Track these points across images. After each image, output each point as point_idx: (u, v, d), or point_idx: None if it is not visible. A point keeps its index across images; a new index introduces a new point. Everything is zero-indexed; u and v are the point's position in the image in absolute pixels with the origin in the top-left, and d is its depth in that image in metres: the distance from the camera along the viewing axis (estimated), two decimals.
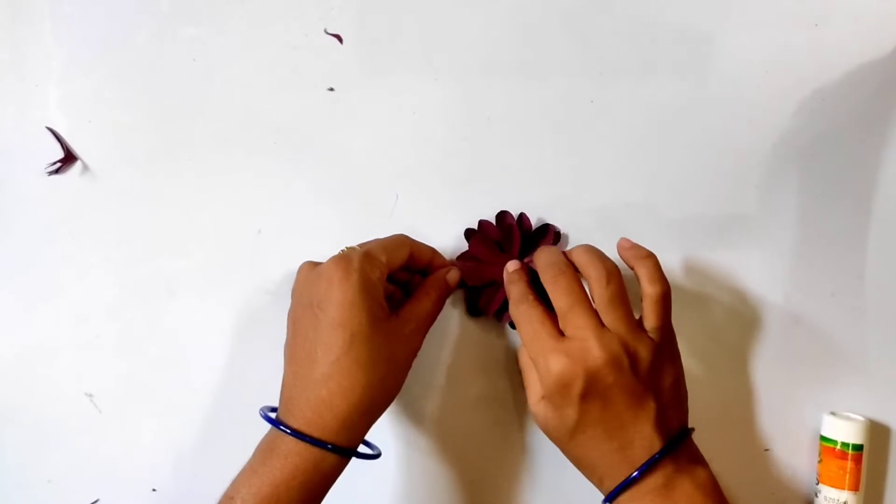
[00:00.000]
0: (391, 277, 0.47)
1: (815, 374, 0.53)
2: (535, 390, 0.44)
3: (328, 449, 0.41)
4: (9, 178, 0.50)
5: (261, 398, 0.49)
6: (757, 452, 0.53)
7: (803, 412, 0.53)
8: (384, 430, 0.51)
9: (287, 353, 0.44)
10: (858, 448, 0.50)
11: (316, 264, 0.44)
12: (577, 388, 0.41)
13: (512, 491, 0.52)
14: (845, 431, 0.50)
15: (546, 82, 0.51)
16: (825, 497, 0.50)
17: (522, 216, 0.50)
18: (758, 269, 0.52)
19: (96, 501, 0.51)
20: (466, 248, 0.50)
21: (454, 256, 0.51)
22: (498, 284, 0.50)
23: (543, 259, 0.45)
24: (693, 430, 0.44)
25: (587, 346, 0.41)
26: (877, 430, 0.52)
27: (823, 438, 0.51)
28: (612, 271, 0.43)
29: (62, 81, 0.50)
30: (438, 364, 0.51)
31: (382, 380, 0.42)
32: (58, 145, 0.50)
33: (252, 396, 0.50)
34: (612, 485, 0.42)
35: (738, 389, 0.52)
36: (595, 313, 0.42)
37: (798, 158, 0.52)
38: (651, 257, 0.44)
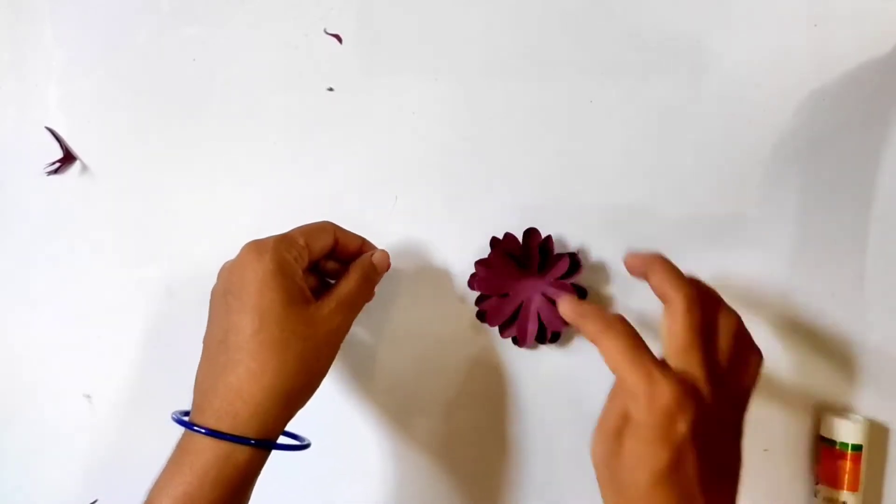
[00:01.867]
0: (319, 270, 0.46)
1: (814, 374, 0.52)
2: (612, 417, 0.37)
3: (246, 443, 0.38)
4: (9, 178, 0.50)
5: None
6: (756, 452, 0.53)
7: (803, 412, 0.52)
8: (382, 431, 0.51)
9: (203, 346, 0.42)
10: (858, 448, 0.50)
11: (231, 259, 0.43)
12: (683, 426, 0.34)
13: (506, 493, 0.52)
14: (844, 431, 0.50)
15: (546, 82, 0.51)
16: (824, 497, 0.50)
17: (549, 239, 0.50)
18: (757, 269, 0.52)
19: (95, 501, 0.51)
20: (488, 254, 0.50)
21: (453, 258, 0.51)
22: (507, 297, 0.50)
23: (673, 276, 0.39)
24: None
25: (701, 385, 0.36)
26: (876, 430, 0.52)
27: (822, 439, 0.51)
28: (740, 320, 0.39)
29: (62, 81, 0.50)
30: (443, 373, 0.51)
31: (298, 362, 0.39)
32: (57, 145, 0.50)
33: None
34: None
35: None
36: (713, 362, 0.37)
37: (798, 158, 0.52)
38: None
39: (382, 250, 0.47)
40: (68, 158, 0.50)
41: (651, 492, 0.35)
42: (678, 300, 0.38)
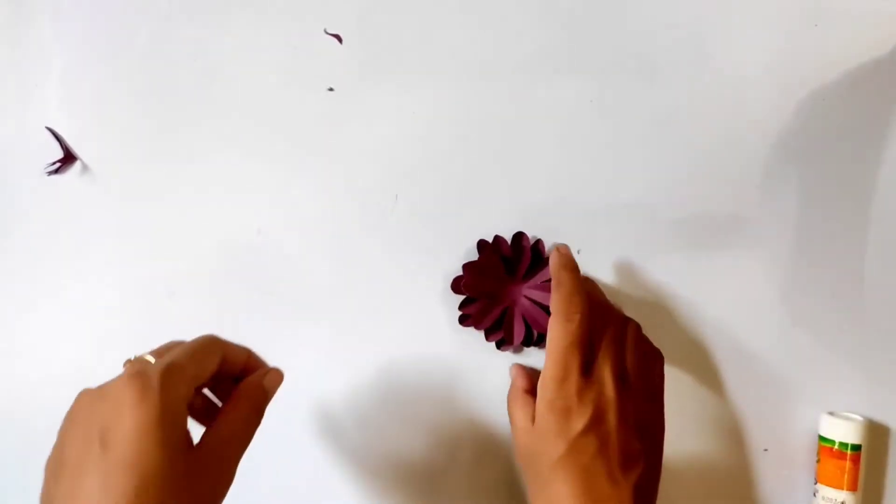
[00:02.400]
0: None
1: (814, 374, 0.52)
2: (525, 414, 0.44)
3: None
4: (9, 178, 0.50)
5: None
6: (756, 452, 0.53)
7: (802, 412, 0.53)
8: (372, 435, 0.51)
9: (50, 479, 0.34)
10: (857, 448, 0.50)
11: (100, 388, 0.36)
12: (580, 422, 0.40)
13: (497, 494, 0.52)
14: (844, 431, 0.50)
15: (546, 82, 0.51)
16: (823, 497, 0.51)
17: (539, 242, 0.50)
18: (757, 268, 0.52)
19: None
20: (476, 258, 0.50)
21: (453, 257, 0.51)
22: (493, 301, 0.50)
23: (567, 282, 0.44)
24: None
25: (604, 388, 0.41)
26: (875, 430, 0.52)
27: (822, 438, 0.51)
28: (632, 326, 0.46)
29: (62, 81, 0.50)
30: (426, 377, 0.51)
31: None
32: (58, 145, 0.50)
33: None
34: None
35: (736, 389, 0.52)
36: (620, 367, 0.43)
37: (798, 158, 0.52)
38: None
39: (275, 370, 0.41)
40: (68, 158, 0.50)
41: (552, 472, 0.40)
42: (556, 311, 0.43)
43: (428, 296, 0.51)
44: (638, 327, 0.46)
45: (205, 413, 0.40)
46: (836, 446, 0.50)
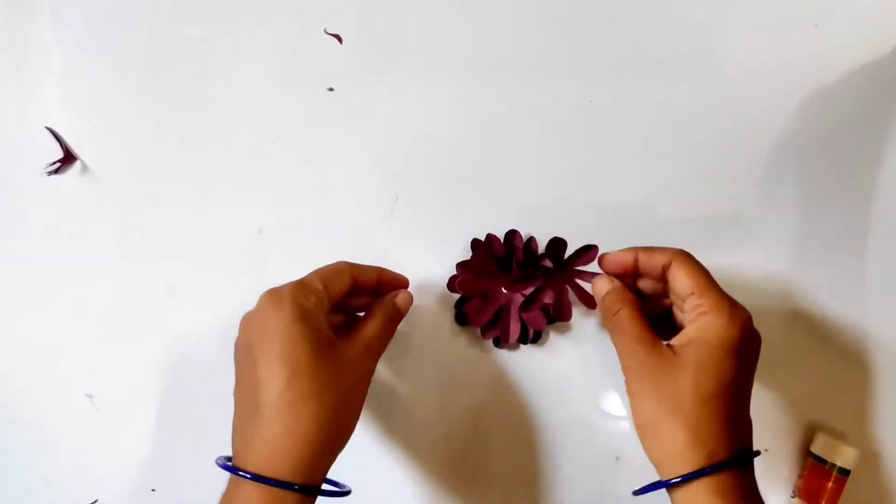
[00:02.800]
0: (344, 306, 0.45)
1: (814, 374, 0.52)
2: (645, 331, 0.41)
3: (290, 489, 0.37)
4: (9, 178, 0.50)
5: None
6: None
7: (801, 412, 0.52)
8: (372, 442, 0.51)
9: (234, 399, 0.41)
10: (845, 472, 0.50)
11: (246, 313, 0.42)
12: (758, 345, 0.40)
13: (503, 494, 0.52)
14: (836, 453, 0.50)
15: (546, 82, 0.51)
16: None
17: (531, 240, 0.50)
18: (757, 268, 0.52)
19: (95, 501, 0.51)
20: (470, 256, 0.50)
21: (453, 256, 0.51)
22: (489, 299, 0.50)
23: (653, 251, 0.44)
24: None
25: (747, 313, 0.41)
26: (867, 458, 0.52)
27: (812, 455, 0.51)
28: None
29: (62, 81, 0.50)
30: (426, 375, 0.51)
31: (332, 410, 0.39)
32: (58, 145, 0.50)
33: None
34: (725, 456, 0.38)
35: None
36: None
37: (798, 158, 0.52)
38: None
39: (406, 292, 0.46)
40: (68, 158, 0.50)
41: (716, 397, 0.39)
42: (675, 255, 0.42)
43: (428, 295, 0.51)
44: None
45: (348, 327, 0.44)
46: (825, 466, 0.50)
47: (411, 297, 0.46)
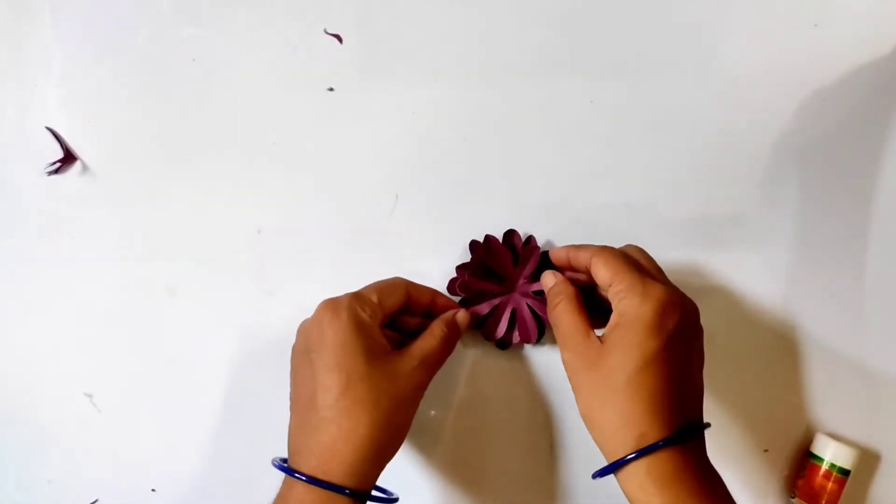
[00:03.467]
0: (398, 325, 0.47)
1: (814, 374, 0.52)
2: (583, 325, 0.42)
3: (341, 493, 0.39)
4: (9, 178, 0.50)
5: (260, 397, 0.49)
6: (756, 452, 0.53)
7: (801, 412, 0.52)
8: None
9: (291, 403, 0.43)
10: (845, 472, 0.50)
11: (303, 322, 0.44)
12: (672, 321, 0.40)
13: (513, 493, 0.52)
14: (836, 453, 0.50)
15: (546, 82, 0.51)
16: None
17: (531, 239, 0.50)
18: (757, 269, 0.52)
19: (96, 501, 0.51)
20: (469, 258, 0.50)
21: (453, 256, 0.50)
22: (490, 300, 0.50)
23: (567, 253, 0.45)
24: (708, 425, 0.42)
25: (680, 293, 0.41)
26: (867, 457, 0.52)
27: (811, 455, 0.51)
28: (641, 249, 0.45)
29: (62, 81, 0.50)
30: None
31: (387, 418, 0.40)
32: (58, 145, 0.50)
33: (252, 396, 0.50)
34: (655, 439, 0.38)
35: (736, 389, 0.52)
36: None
37: (798, 158, 0.52)
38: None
39: (464, 311, 0.48)
40: (68, 158, 0.50)
41: (638, 376, 0.39)
42: (596, 251, 0.43)
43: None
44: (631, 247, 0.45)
45: (399, 345, 0.44)
46: (825, 465, 0.50)
47: (470, 317, 0.48)
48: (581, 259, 0.44)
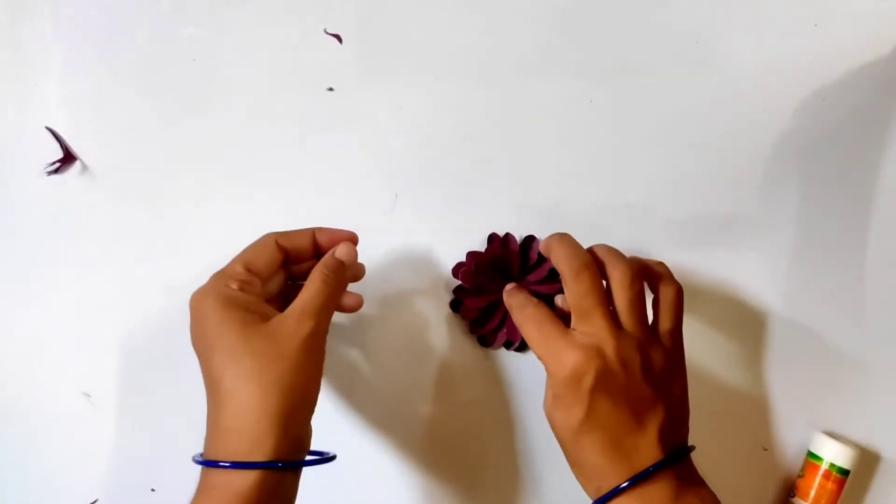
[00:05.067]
0: (297, 276, 0.46)
1: (814, 374, 0.53)
2: (546, 395, 0.42)
3: (269, 467, 0.38)
4: (9, 178, 0.50)
5: None
6: (756, 452, 0.53)
7: (801, 412, 0.53)
8: (373, 434, 0.51)
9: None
10: (844, 472, 0.50)
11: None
12: (588, 382, 0.40)
13: (505, 494, 0.52)
14: (836, 453, 0.50)
15: (546, 82, 0.51)
16: None
17: (533, 240, 0.50)
18: (757, 269, 0.52)
19: (95, 501, 0.51)
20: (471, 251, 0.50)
21: (453, 256, 0.50)
22: (487, 295, 0.50)
23: (564, 252, 0.43)
24: (694, 448, 0.43)
25: (603, 344, 0.40)
26: (866, 457, 0.52)
27: (810, 454, 0.51)
28: (636, 273, 0.42)
29: (62, 81, 0.50)
30: (424, 375, 0.51)
31: (279, 381, 0.39)
32: (57, 145, 0.50)
33: None
34: (608, 489, 0.40)
35: (736, 389, 0.52)
36: (613, 315, 0.41)
37: (798, 158, 0.52)
38: (663, 263, 0.45)
39: (346, 242, 0.45)
40: (68, 158, 0.50)
41: (577, 441, 0.41)
42: (565, 272, 0.42)
43: (427, 295, 0.51)
44: (630, 271, 0.43)
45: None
46: (824, 465, 0.50)
47: (352, 246, 0.45)
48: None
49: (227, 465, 0.38)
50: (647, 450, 0.40)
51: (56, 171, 0.50)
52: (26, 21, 0.50)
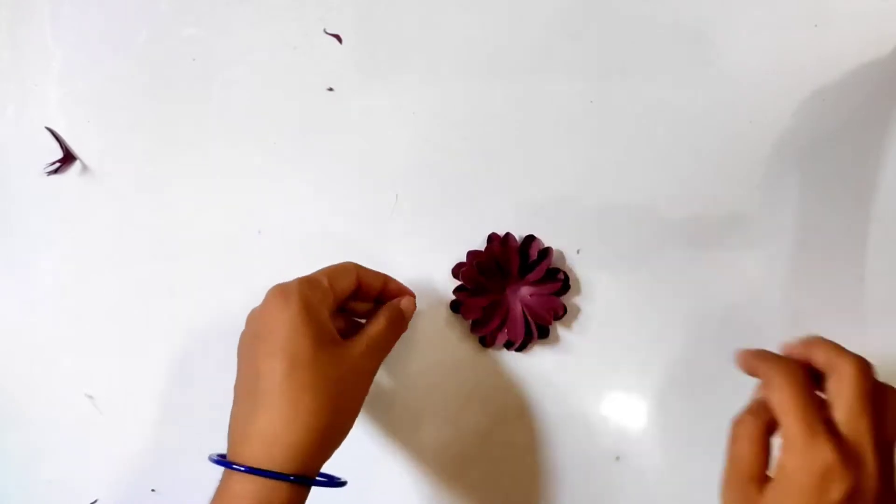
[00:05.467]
0: (348, 311, 0.46)
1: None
2: (751, 468, 0.36)
3: (284, 480, 0.38)
4: (9, 178, 0.50)
5: None
6: None
7: None
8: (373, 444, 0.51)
9: (234, 390, 0.42)
10: None
11: (254, 308, 0.43)
12: (838, 492, 0.33)
13: (506, 494, 0.52)
14: None
15: (546, 82, 0.51)
16: None
17: (548, 251, 0.50)
18: (757, 269, 0.52)
19: (95, 501, 0.51)
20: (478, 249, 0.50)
21: (453, 256, 0.50)
22: (488, 295, 0.50)
23: (836, 347, 0.37)
24: None
25: (866, 457, 0.33)
26: None
27: None
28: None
29: (62, 81, 0.50)
30: (423, 375, 0.51)
31: (331, 403, 0.39)
32: (57, 145, 0.50)
33: None
34: None
35: (736, 389, 0.52)
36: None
37: (798, 158, 0.52)
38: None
39: (409, 297, 0.47)
40: (68, 158, 0.50)
41: None
42: (848, 365, 0.36)
43: (427, 295, 0.51)
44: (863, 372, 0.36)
45: (350, 333, 0.44)
46: None
47: (415, 304, 0.47)
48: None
49: (243, 468, 0.38)
50: None
51: (56, 171, 0.50)
52: (26, 21, 0.50)
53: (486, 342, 0.50)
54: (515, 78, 0.51)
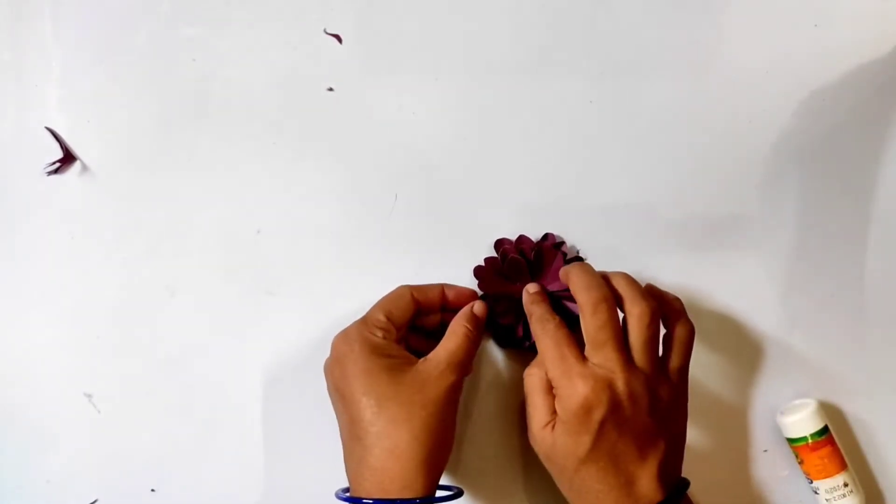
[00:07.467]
0: (420, 329, 0.48)
1: (813, 374, 0.53)
2: (542, 413, 0.43)
3: (411, 503, 0.40)
4: (8, 178, 0.50)
5: (261, 397, 0.49)
6: (756, 453, 0.53)
7: None
8: None
9: (340, 437, 0.45)
10: (825, 431, 0.50)
11: (326, 360, 0.45)
12: (599, 413, 0.41)
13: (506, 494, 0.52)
14: (803, 425, 0.50)
15: (546, 82, 0.51)
16: (825, 489, 0.50)
17: (561, 245, 0.50)
18: (757, 269, 0.52)
19: (95, 501, 0.51)
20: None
21: (453, 257, 0.50)
22: (503, 296, 0.50)
23: (583, 281, 0.43)
24: (689, 483, 0.44)
25: (615, 377, 0.41)
26: (829, 410, 0.52)
27: (790, 440, 0.51)
28: (655, 313, 0.43)
29: (62, 81, 0.50)
30: None
31: (425, 427, 0.42)
32: (57, 145, 0.50)
33: (252, 396, 0.50)
34: None
35: (736, 389, 0.52)
36: (626, 350, 0.42)
37: (798, 158, 0.52)
38: (679, 299, 0.46)
39: (481, 301, 0.48)
40: (68, 158, 0.50)
41: (580, 470, 0.41)
42: (583, 302, 0.42)
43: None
44: (649, 310, 0.43)
45: (429, 349, 0.46)
46: (807, 441, 0.50)
47: (486, 305, 0.48)
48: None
49: (371, 501, 0.41)
50: (648, 482, 0.42)
51: (56, 171, 0.50)
52: (26, 21, 0.50)
53: (502, 340, 0.50)
54: (515, 78, 0.51)
